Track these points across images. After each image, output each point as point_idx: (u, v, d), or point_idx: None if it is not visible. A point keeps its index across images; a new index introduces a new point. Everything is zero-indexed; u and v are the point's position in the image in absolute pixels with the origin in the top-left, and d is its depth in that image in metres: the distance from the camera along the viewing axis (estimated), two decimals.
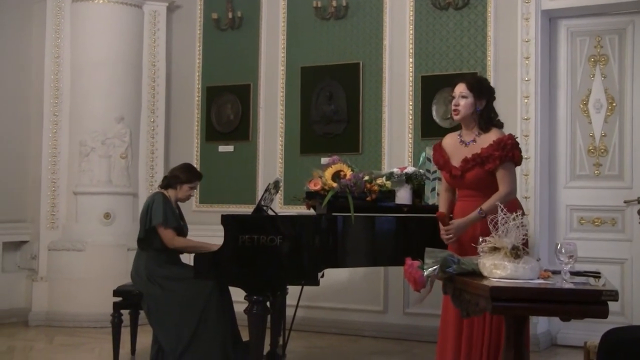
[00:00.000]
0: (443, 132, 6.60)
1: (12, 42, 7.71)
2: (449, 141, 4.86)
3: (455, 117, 4.76)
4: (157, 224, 5.48)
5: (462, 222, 4.61)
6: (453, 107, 4.75)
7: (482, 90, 4.74)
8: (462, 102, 4.70)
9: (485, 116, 4.71)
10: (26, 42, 7.82)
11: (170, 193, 5.68)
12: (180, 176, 5.70)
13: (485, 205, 4.52)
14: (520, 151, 4.68)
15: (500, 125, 4.77)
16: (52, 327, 7.26)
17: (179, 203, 5.80)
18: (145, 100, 7.85)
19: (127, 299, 5.58)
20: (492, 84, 5.24)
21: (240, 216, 5.53)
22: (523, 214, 3.61)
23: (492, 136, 4.65)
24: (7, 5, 7.65)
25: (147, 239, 5.55)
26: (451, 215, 4.75)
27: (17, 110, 7.74)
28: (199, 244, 5.52)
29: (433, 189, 5.38)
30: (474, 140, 4.69)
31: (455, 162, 4.71)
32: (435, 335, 4.99)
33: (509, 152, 4.57)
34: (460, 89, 4.73)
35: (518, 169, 4.92)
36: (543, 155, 6.56)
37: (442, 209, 4.82)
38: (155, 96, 7.91)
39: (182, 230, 5.67)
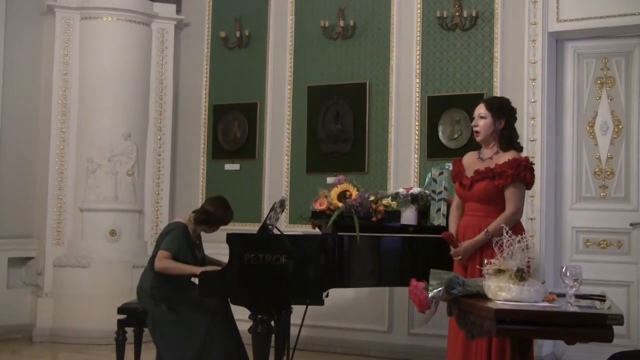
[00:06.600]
0: (449, 152, 6.64)
1: (20, 59, 7.74)
2: (469, 157, 4.94)
3: (477, 139, 4.86)
4: (163, 248, 5.41)
5: (469, 244, 4.68)
6: (473, 129, 4.85)
7: (502, 110, 4.79)
8: (481, 122, 4.77)
9: (506, 135, 4.78)
10: (35, 59, 7.85)
11: (200, 228, 5.61)
12: (223, 219, 5.62)
13: (492, 227, 4.59)
14: (534, 175, 4.73)
15: (519, 149, 4.83)
16: (57, 344, 7.25)
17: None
18: (152, 118, 7.86)
19: (132, 317, 5.54)
20: None
21: (246, 235, 5.51)
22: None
23: (508, 155, 4.71)
24: (16, 22, 7.68)
25: None
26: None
27: (24, 126, 7.76)
28: (185, 268, 5.36)
29: (439, 210, 5.37)
30: (491, 157, 4.77)
31: (469, 174, 4.79)
32: (439, 356, 4.97)
33: (521, 172, 4.62)
34: (480, 109, 4.81)
35: None
36: (549, 177, 6.55)
37: (452, 226, 4.89)
38: (163, 114, 7.92)
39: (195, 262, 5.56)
